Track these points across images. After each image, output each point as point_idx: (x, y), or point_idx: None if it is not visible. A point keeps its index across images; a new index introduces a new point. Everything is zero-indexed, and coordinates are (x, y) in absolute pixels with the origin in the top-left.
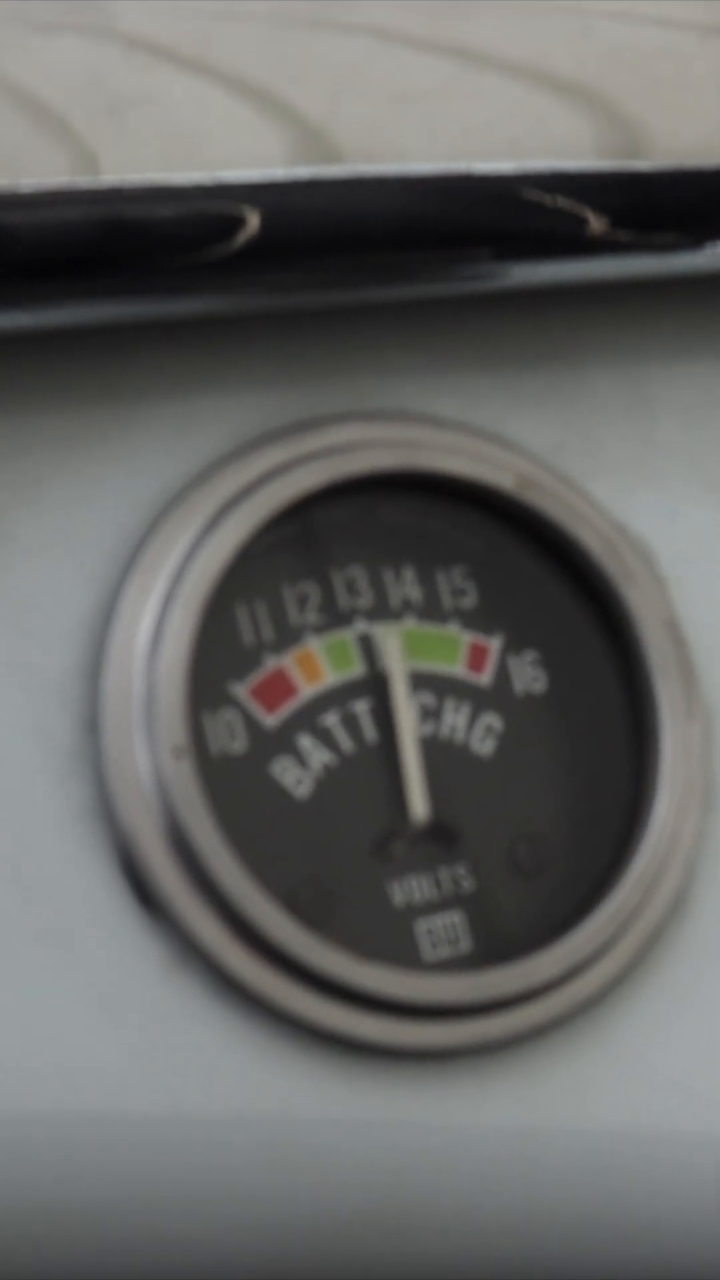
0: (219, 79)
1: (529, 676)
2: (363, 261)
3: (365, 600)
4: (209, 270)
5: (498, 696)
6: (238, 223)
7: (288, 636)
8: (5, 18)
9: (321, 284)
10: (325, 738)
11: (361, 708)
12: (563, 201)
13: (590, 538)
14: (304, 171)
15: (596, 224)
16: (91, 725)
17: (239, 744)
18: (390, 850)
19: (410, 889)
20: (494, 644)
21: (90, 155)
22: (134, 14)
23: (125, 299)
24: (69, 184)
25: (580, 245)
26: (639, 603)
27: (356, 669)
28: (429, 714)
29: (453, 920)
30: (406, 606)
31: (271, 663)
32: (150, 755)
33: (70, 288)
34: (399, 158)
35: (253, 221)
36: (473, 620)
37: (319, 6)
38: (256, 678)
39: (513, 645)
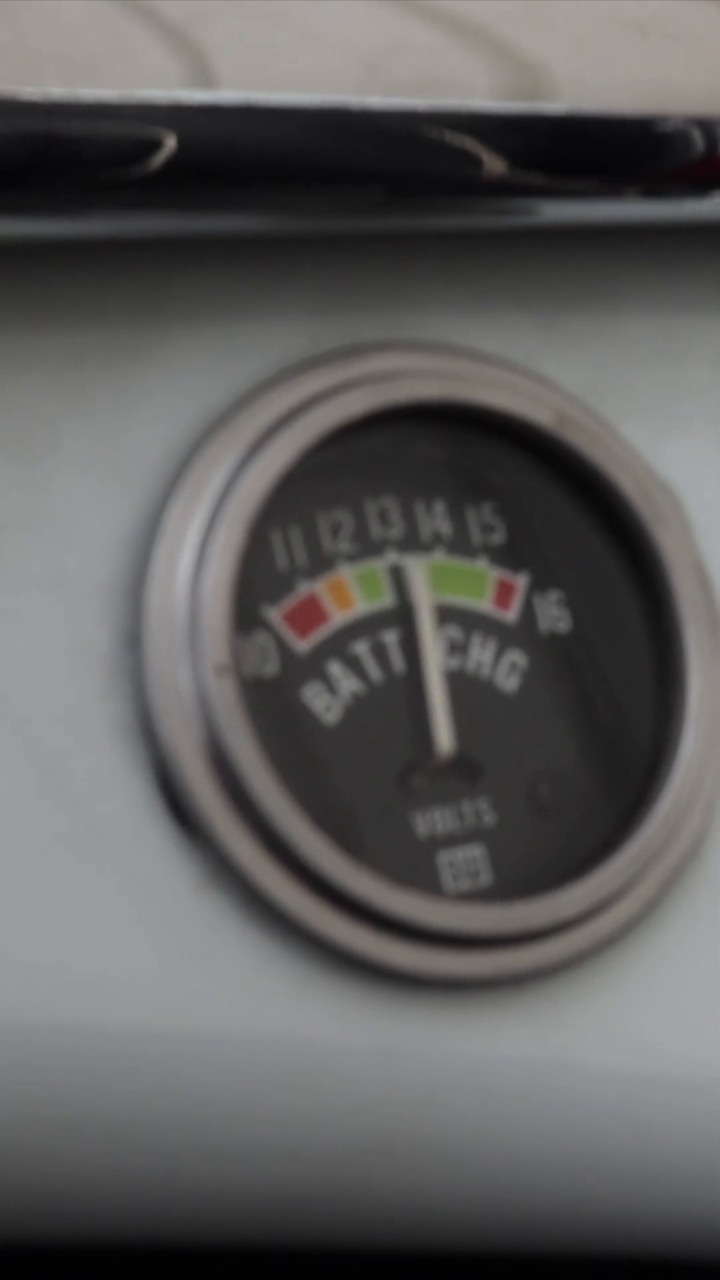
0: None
1: (554, 616)
2: (259, 192)
3: (397, 531)
4: (120, 190)
5: (523, 634)
6: (155, 145)
7: (320, 563)
8: None
9: (234, 210)
10: (354, 666)
11: (390, 638)
12: (460, 141)
13: (624, 478)
14: (203, 97)
15: (493, 165)
16: (132, 640)
17: (271, 667)
18: (414, 781)
19: (433, 821)
20: (520, 581)
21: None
22: None
23: (44, 216)
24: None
25: (478, 186)
26: (670, 546)
27: (386, 599)
28: (456, 648)
29: (474, 854)
30: (436, 540)
31: (304, 588)
32: (192, 672)
33: None
34: (298, 88)
35: (169, 143)
36: (500, 557)
37: None
38: (290, 602)
39: (539, 584)
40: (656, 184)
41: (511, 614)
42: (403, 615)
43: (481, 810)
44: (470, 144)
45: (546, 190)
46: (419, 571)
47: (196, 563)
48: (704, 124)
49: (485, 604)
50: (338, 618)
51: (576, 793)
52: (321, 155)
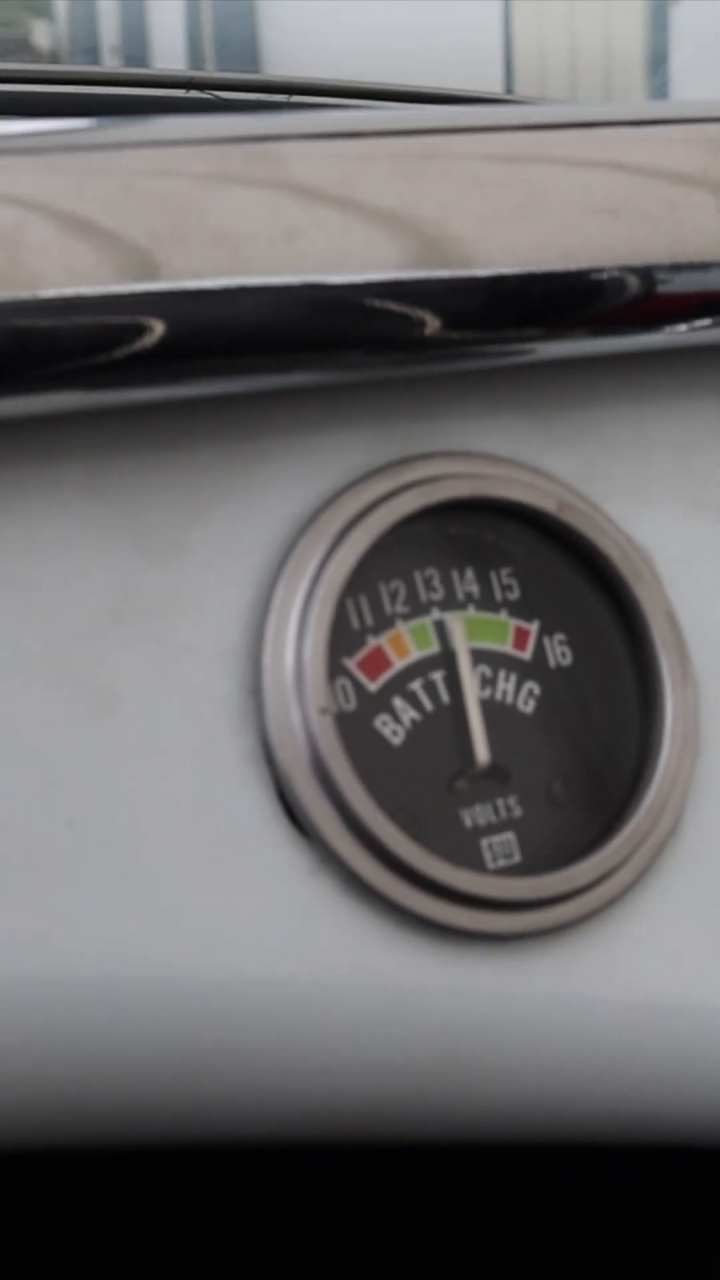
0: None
1: (559, 653)
2: (234, 363)
3: (438, 594)
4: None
5: (537, 668)
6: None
7: (383, 622)
8: None
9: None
10: (412, 699)
11: (437, 676)
12: (397, 307)
13: (610, 547)
14: (195, 284)
15: (431, 325)
16: (253, 690)
17: (351, 704)
18: (460, 786)
19: (476, 815)
20: (533, 628)
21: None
22: None
23: (53, 393)
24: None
25: (420, 344)
26: (646, 597)
27: (433, 647)
28: (487, 682)
29: (508, 838)
30: (469, 599)
31: (372, 642)
32: (301, 713)
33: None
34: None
35: (156, 329)
36: (517, 609)
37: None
38: (362, 654)
39: (547, 629)
40: (630, 323)
41: (527, 653)
42: (446, 659)
43: (511, 806)
44: (466, 305)
45: (477, 342)
46: (457, 624)
47: (299, 631)
48: (640, 272)
49: (507, 646)
50: (398, 663)
51: (582, 790)
52: (283, 327)
